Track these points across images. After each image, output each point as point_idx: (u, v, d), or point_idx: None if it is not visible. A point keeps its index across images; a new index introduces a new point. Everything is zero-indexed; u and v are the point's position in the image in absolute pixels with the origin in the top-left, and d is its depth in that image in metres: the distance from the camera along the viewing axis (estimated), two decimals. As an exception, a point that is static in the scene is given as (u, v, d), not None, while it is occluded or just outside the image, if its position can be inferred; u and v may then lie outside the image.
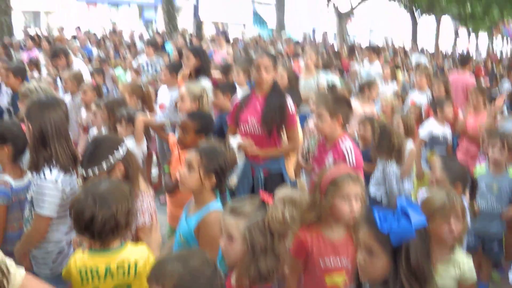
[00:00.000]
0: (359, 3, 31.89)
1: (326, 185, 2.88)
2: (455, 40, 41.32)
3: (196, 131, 4.51)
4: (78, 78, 6.95)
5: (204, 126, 4.60)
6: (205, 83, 5.99)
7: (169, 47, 14.19)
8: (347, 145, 4.03)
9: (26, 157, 3.86)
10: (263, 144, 4.65)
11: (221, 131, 5.14)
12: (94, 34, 17.05)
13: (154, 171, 8.15)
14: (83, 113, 6.51)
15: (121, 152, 3.13)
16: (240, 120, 4.75)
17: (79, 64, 8.44)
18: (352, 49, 15.55)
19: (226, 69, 7.85)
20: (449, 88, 7.65)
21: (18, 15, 20.86)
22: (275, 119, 4.61)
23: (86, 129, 6.33)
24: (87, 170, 3.10)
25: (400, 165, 5.22)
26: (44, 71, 10.04)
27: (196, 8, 34.01)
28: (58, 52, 8.41)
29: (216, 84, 6.21)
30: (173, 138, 5.07)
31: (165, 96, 6.70)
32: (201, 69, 6.30)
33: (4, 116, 7.16)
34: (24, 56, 12.13)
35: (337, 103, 4.15)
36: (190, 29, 27.87)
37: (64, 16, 27.97)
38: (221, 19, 35.54)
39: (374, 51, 10.75)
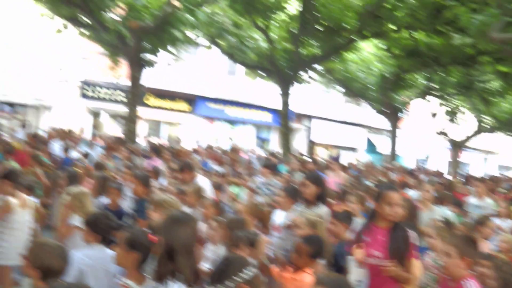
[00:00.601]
0: (473, 133, 31.55)
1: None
2: None
3: (310, 255, 4.56)
4: (199, 193, 7.20)
5: (318, 250, 4.66)
6: (324, 210, 6.05)
7: (283, 168, 14.42)
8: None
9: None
10: (385, 277, 4.58)
11: (336, 259, 5.14)
12: (213, 150, 17.63)
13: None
14: (202, 226, 6.67)
15: (249, 273, 3.22)
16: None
17: (202, 179, 8.72)
18: (466, 181, 15.26)
19: (342, 195, 7.90)
20: None
21: (141, 124, 21.97)
22: (401, 253, 4.58)
23: (202, 243, 6.47)
24: (212, 287, 3.20)
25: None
26: (163, 180, 10.39)
27: (309, 131, 34.70)
28: (185, 167, 8.81)
29: (333, 212, 6.26)
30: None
31: (280, 218, 6.79)
32: (319, 196, 6.38)
33: (125, 220, 7.45)
34: (146, 164, 12.64)
35: (467, 244, 4.12)
36: (303, 150, 28.35)
37: (184, 128, 29.32)
38: (333, 142, 35.95)
39: (489, 183, 10.49)
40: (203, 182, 8.59)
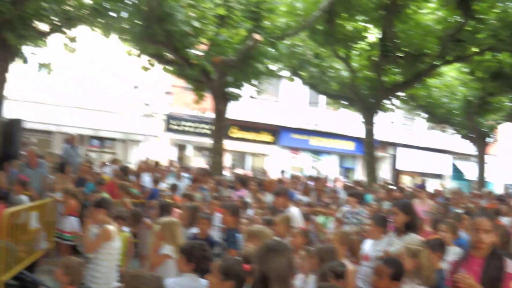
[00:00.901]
0: None
1: None
2: None
3: (390, 277, 4.53)
4: (288, 222, 7.22)
5: (399, 272, 4.62)
6: (414, 239, 5.96)
7: (369, 197, 14.28)
8: None
9: None
10: None
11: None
12: (298, 180, 17.63)
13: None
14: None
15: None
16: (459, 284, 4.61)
17: (293, 209, 8.75)
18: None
19: (434, 224, 7.77)
20: None
21: (226, 155, 22.29)
22: (495, 283, 4.43)
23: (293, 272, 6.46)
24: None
25: None
26: (249, 211, 10.45)
27: (394, 159, 34.27)
28: (281, 192, 8.92)
29: (425, 241, 6.15)
30: None
31: (369, 248, 6.74)
32: (409, 225, 6.29)
33: (215, 250, 7.54)
34: (232, 194, 12.75)
35: None
36: (388, 178, 27.99)
37: (268, 159, 29.61)
38: (418, 169, 35.34)
39: None
40: (295, 211, 8.63)
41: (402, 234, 6.21)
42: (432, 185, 27.67)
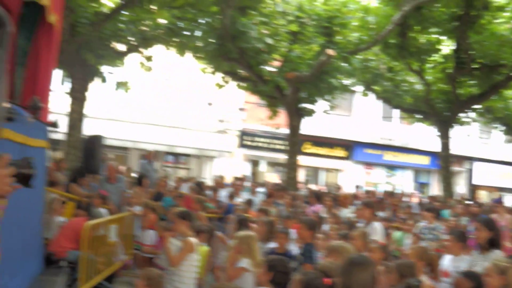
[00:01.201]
0: None
1: None
2: None
3: None
4: (365, 237, 7.19)
5: (478, 286, 4.53)
6: (500, 256, 5.80)
7: (446, 213, 14.03)
8: None
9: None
10: None
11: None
12: (373, 195, 17.47)
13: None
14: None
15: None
16: None
17: (376, 224, 8.71)
18: None
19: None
20: None
21: (299, 170, 22.35)
22: None
23: None
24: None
25: None
26: (325, 226, 10.43)
27: (470, 173, 33.47)
28: (368, 205, 8.93)
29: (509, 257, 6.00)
30: None
31: (448, 264, 6.62)
32: (492, 241, 6.13)
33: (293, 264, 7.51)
34: (307, 210, 12.75)
35: None
36: (464, 193, 27.36)
37: (342, 175, 29.48)
38: (495, 183, 34.38)
39: None
40: (378, 226, 8.59)
41: (486, 251, 6.05)
42: (509, 200, 26.90)
